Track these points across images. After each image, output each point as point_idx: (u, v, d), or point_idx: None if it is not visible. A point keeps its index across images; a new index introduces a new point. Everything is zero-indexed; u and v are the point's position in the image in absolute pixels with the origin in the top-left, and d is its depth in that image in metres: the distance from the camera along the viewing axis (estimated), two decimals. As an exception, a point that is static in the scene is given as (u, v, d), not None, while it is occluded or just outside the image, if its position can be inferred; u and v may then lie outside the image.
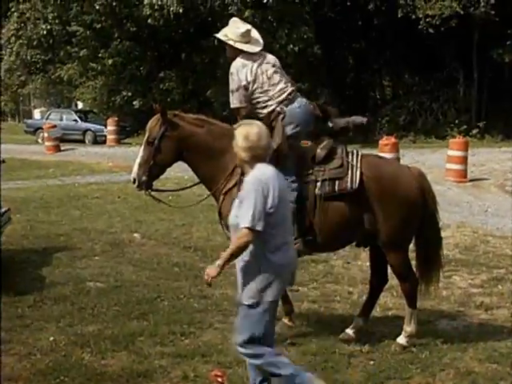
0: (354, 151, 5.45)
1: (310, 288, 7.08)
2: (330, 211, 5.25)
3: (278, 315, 5.96)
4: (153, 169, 5.44)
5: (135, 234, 9.49)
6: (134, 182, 5.49)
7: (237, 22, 5.67)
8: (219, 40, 5.65)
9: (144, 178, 5.44)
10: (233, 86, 5.45)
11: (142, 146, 5.45)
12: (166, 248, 8.79)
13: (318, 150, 5.35)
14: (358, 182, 5.23)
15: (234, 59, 5.50)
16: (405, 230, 5.42)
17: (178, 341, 5.46)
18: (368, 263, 7.98)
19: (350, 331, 5.56)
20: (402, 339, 5.41)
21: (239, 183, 5.06)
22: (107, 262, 7.93)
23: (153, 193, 5.61)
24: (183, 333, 5.61)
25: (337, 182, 5.25)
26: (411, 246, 5.65)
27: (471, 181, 15.54)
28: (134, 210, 11.45)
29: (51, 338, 5.40)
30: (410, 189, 5.39)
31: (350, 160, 5.32)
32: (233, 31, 5.54)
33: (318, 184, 5.25)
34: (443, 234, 9.38)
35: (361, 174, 5.25)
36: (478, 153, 19.42)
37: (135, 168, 5.46)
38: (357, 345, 5.39)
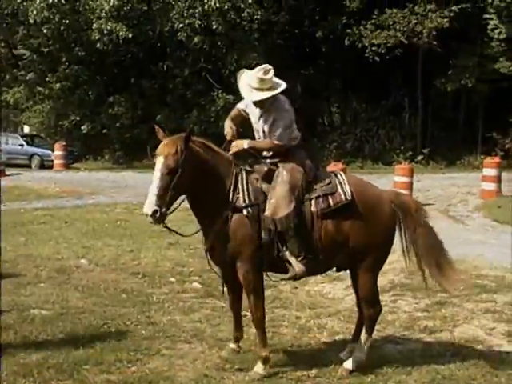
0: (336, 171, 5.65)
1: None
2: (327, 228, 5.26)
3: (225, 340, 5.99)
4: (172, 199, 5.03)
5: (82, 260, 9.36)
6: (155, 215, 4.91)
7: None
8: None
9: (164, 210, 4.96)
10: (288, 122, 5.40)
11: (159, 174, 4.94)
12: (114, 274, 8.69)
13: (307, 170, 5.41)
14: (350, 194, 5.31)
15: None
16: (382, 253, 5.53)
17: (124, 368, 5.39)
18: (315, 288, 8.13)
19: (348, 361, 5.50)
20: (349, 364, 5.46)
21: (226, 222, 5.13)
22: (53, 289, 7.78)
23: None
24: (130, 360, 5.55)
25: (330, 197, 5.29)
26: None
27: (416, 206, 15.83)
28: (81, 236, 11.30)
29: (-7, 368, 5.27)
30: (390, 211, 5.48)
31: (336, 178, 5.42)
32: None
33: (313, 201, 5.28)
34: (390, 258, 9.63)
35: (350, 188, 5.35)
36: (422, 179, 19.91)
37: (153, 199, 4.90)
38: (304, 369, 5.43)
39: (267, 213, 5.14)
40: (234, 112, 5.68)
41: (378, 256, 5.49)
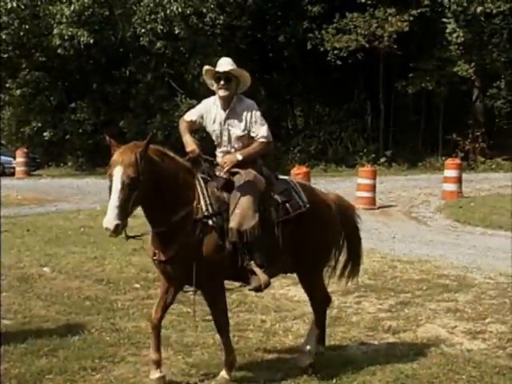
0: (286, 178, 5.69)
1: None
2: (285, 235, 5.24)
3: (190, 345, 5.97)
4: (132, 210, 4.74)
5: (45, 268, 9.24)
6: (116, 229, 4.59)
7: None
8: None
9: (125, 222, 4.65)
10: (264, 120, 5.37)
11: (118, 185, 4.59)
12: (78, 281, 8.61)
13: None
14: (306, 200, 5.36)
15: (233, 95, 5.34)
16: (330, 252, 5.74)
17: (88, 376, 5.35)
18: (281, 291, 8.16)
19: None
20: (303, 362, 5.51)
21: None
22: (15, 298, 7.68)
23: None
24: (94, 368, 5.50)
25: (288, 205, 5.29)
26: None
27: (380, 208, 16.06)
28: (44, 244, 11.16)
29: (-46, 380, 5.18)
30: (336, 214, 5.66)
31: (289, 184, 5.46)
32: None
33: (272, 209, 5.24)
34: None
35: (304, 195, 5.40)
36: (385, 180, 20.16)
37: (115, 212, 4.55)
38: (270, 373, 5.45)
39: (232, 224, 4.99)
40: (186, 125, 5.41)
41: (327, 256, 5.73)
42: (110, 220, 4.56)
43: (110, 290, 8.19)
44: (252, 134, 5.33)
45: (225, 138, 5.39)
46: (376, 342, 6.38)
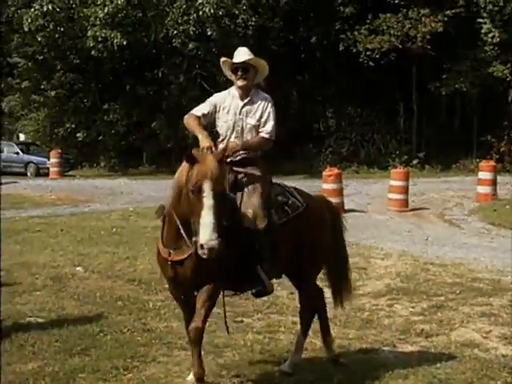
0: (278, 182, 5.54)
1: (255, 319, 7.09)
2: (285, 238, 5.13)
3: (221, 346, 5.98)
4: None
5: (78, 268, 9.34)
6: (215, 249, 4.31)
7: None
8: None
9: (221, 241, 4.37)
10: (273, 116, 5.23)
11: (210, 201, 4.35)
12: (110, 281, 8.68)
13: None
14: (302, 201, 5.30)
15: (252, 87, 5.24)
16: (326, 253, 5.62)
17: (120, 376, 5.38)
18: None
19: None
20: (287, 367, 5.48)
21: None
22: (49, 297, 7.77)
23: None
24: (126, 367, 5.53)
25: (286, 207, 5.22)
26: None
27: (412, 210, 15.90)
28: (76, 244, 11.28)
29: (-11, 377, 5.25)
30: (327, 215, 5.64)
31: (280, 186, 5.40)
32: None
33: (273, 212, 5.15)
34: (386, 263, 9.67)
35: (298, 196, 5.34)
36: (418, 182, 19.95)
37: (213, 230, 4.30)
38: (301, 374, 5.42)
39: (247, 224, 4.84)
40: (197, 121, 5.08)
41: (324, 256, 5.63)
42: (212, 238, 4.29)
43: (142, 290, 8.24)
44: (260, 127, 5.20)
45: (238, 129, 5.18)
46: (408, 346, 6.31)
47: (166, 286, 8.23)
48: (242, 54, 5.22)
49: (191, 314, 4.93)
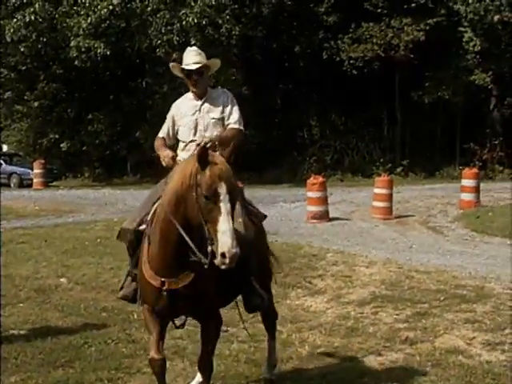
0: None
1: (240, 328, 7.07)
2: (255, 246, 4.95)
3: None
4: None
5: (62, 279, 9.28)
6: (233, 260, 3.93)
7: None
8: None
9: None
10: (238, 107, 5.06)
11: (228, 206, 3.99)
12: (94, 292, 8.63)
13: None
14: (261, 211, 5.25)
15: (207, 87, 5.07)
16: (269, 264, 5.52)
17: (105, 387, 5.36)
18: (297, 302, 8.13)
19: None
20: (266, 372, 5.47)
21: None
22: (32, 309, 7.72)
23: None
24: (110, 379, 5.51)
25: (252, 215, 5.05)
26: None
27: (396, 218, 15.96)
28: (61, 255, 11.20)
29: (-29, 391, 5.21)
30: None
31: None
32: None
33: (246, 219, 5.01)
34: (370, 270, 9.69)
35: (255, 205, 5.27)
36: (402, 190, 20.05)
37: (233, 237, 3.93)
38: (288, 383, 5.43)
39: (244, 234, 4.54)
40: (161, 142, 5.03)
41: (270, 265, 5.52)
42: (233, 245, 3.90)
43: (126, 301, 8.18)
44: (226, 120, 4.99)
45: (200, 127, 4.93)
46: (393, 353, 6.32)
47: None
48: (193, 58, 4.97)
49: (161, 337, 4.63)
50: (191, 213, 4.06)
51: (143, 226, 4.61)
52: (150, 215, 4.59)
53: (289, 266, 9.19)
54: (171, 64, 5.20)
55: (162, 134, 5.15)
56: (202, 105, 4.99)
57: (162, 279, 4.31)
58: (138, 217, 4.74)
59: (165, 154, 4.81)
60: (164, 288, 4.32)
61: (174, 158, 4.75)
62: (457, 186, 18.82)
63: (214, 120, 4.96)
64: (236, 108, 5.04)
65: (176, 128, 5.08)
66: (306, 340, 6.66)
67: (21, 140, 33.01)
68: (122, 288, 5.11)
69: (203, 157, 4.06)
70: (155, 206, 4.56)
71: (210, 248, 3.98)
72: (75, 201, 20.61)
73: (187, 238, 4.12)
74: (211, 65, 5.10)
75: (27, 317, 7.38)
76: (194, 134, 4.94)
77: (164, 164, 4.79)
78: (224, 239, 3.89)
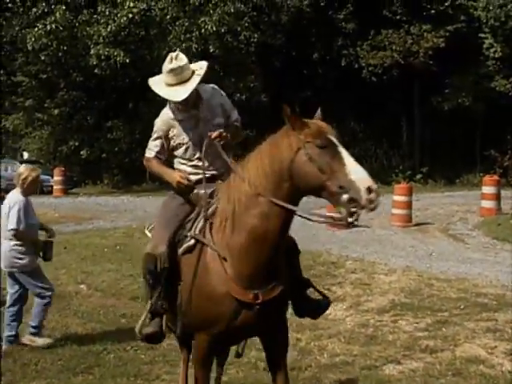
0: None
1: (259, 336, 7.06)
2: None
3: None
4: None
5: (81, 286, 9.34)
6: (379, 195, 3.69)
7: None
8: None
9: None
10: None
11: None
12: (113, 299, 8.67)
13: None
14: None
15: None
16: None
17: (124, 394, 5.37)
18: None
19: None
20: None
21: None
22: (52, 316, 7.74)
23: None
24: (129, 386, 5.53)
25: None
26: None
27: (416, 225, 15.85)
28: (80, 261, 11.27)
29: (-8, 396, 5.24)
30: None
31: None
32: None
33: None
34: (390, 278, 9.63)
35: None
36: (422, 198, 19.91)
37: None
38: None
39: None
40: (158, 161, 4.61)
41: None
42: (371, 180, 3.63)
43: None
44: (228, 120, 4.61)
45: (207, 140, 4.34)
46: (413, 362, 6.27)
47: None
48: (175, 78, 4.54)
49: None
50: (304, 178, 3.71)
51: (181, 250, 4.10)
52: (201, 233, 4.05)
53: (308, 274, 9.13)
54: (150, 81, 4.80)
55: (152, 153, 4.61)
56: (201, 114, 4.49)
57: (255, 291, 3.80)
58: (163, 239, 4.19)
59: (175, 177, 4.38)
60: (258, 301, 3.80)
61: (189, 179, 4.35)
62: (477, 194, 18.65)
63: (219, 125, 4.49)
64: (230, 104, 4.70)
65: (173, 145, 4.54)
66: (324, 348, 6.64)
67: (41, 147, 33.25)
68: (141, 329, 4.49)
69: (299, 118, 4.01)
70: (198, 223, 4.11)
71: (346, 196, 3.67)
72: (95, 208, 20.72)
73: (296, 209, 3.82)
74: (200, 76, 4.55)
75: (47, 323, 7.41)
76: (200, 150, 4.36)
77: (178, 186, 4.35)
78: (361, 175, 3.60)
